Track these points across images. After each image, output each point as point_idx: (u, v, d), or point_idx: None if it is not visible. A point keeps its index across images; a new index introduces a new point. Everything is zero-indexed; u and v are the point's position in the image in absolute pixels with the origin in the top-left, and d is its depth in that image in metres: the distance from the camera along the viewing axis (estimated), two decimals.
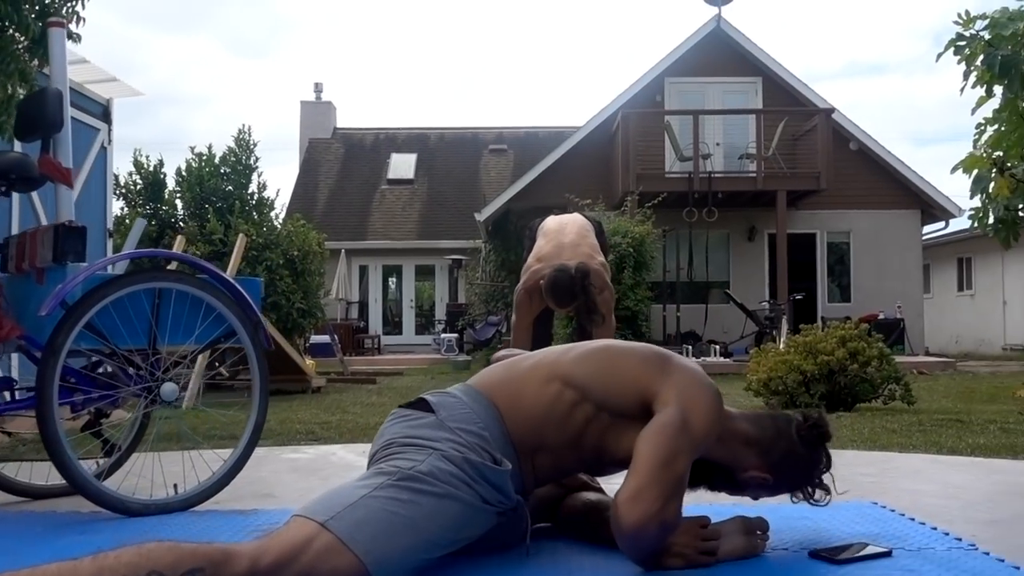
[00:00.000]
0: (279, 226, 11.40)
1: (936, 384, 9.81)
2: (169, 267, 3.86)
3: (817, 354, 6.57)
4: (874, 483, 3.11)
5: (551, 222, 4.67)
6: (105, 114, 7.42)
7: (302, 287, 11.01)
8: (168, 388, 2.62)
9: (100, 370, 2.68)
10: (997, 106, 5.35)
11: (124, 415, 3.12)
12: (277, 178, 72.15)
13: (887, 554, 1.99)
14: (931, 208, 15.85)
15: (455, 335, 17.26)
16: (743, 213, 15.37)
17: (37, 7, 3.93)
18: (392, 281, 21.34)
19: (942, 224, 16.56)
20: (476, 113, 71.81)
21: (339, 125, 24.23)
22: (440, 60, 78.32)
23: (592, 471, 2.13)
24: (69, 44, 5.72)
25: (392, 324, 20.91)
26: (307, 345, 17.55)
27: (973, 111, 5.63)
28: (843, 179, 14.89)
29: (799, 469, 2.11)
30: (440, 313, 19.93)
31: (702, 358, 13.21)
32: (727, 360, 12.73)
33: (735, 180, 14.65)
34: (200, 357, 8.09)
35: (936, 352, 17.95)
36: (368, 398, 8.32)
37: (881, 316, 14.93)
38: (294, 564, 1.58)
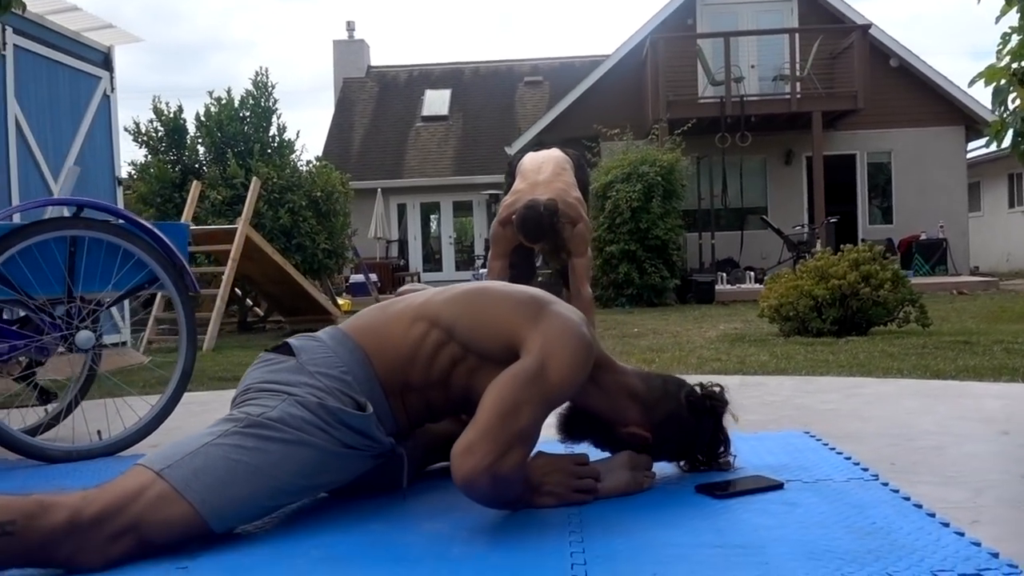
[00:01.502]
0: (304, 168, 11.38)
1: (971, 304, 9.53)
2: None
3: (828, 278, 6.39)
4: (829, 410, 3.01)
5: (528, 160, 4.56)
6: (106, 62, 7.38)
7: (327, 228, 11.03)
8: (83, 336, 2.61)
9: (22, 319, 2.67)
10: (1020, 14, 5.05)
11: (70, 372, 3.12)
12: (316, 120, 72.19)
13: (778, 487, 1.91)
14: (977, 124, 15.24)
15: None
16: (779, 137, 14.97)
17: None
18: (433, 218, 21.34)
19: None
20: (511, 46, 70.69)
21: (373, 63, 24.05)
22: None
23: (465, 412, 2.06)
24: None
25: (432, 261, 20.97)
26: (347, 284, 17.78)
27: (997, 20, 5.33)
28: (883, 97, 14.38)
29: (683, 435, 2.02)
30: (480, 248, 19.89)
31: (737, 284, 13.04)
32: (761, 286, 12.52)
33: (769, 103, 14.23)
34: (218, 300, 8.21)
35: (986, 271, 17.46)
36: None
37: (923, 236, 14.52)
38: (121, 514, 1.55)
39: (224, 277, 8.28)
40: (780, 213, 14.87)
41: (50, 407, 2.98)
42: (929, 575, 1.36)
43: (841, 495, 1.83)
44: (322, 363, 1.81)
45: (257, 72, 11.31)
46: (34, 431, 2.83)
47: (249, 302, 10.51)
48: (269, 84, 11.44)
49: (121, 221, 2.72)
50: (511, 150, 15.91)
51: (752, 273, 13.40)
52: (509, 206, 4.28)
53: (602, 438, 2.02)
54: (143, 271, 2.73)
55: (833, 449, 2.28)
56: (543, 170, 4.37)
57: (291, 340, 1.89)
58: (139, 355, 7.53)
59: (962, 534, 1.55)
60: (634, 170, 11.77)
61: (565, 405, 1.98)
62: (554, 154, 4.57)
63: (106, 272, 2.65)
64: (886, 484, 1.91)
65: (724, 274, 13.30)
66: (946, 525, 1.60)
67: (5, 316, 2.74)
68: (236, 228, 8.41)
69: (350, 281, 17.39)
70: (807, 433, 2.52)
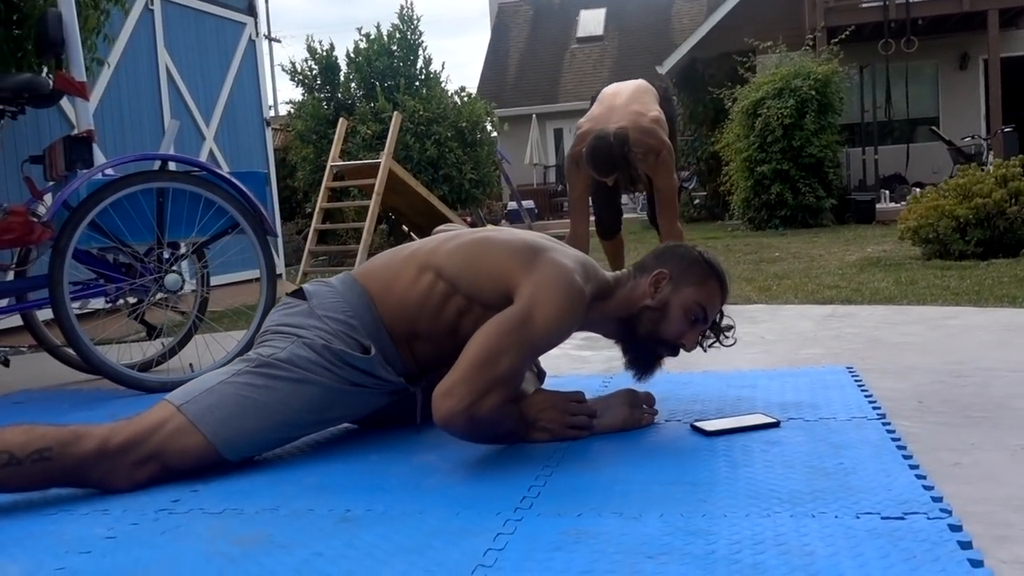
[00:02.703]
0: (453, 99, 11.59)
1: None
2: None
3: (972, 196, 6.03)
4: (899, 343, 2.94)
5: (608, 89, 4.43)
6: (250, 8, 7.76)
7: (473, 158, 11.26)
8: (171, 279, 2.89)
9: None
10: None
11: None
12: (475, 46, 72.20)
13: (774, 425, 1.93)
14: None
15: None
16: (950, 40, 13.91)
17: None
18: None
19: None
20: None
21: None
22: None
23: None
24: None
25: None
26: (505, 212, 18.09)
27: None
28: None
29: (687, 258, 2.03)
30: None
31: (903, 202, 12.36)
32: None
33: (938, 3, 13.21)
34: (364, 233, 8.60)
35: None
36: None
37: None
38: (145, 444, 1.77)
39: (369, 210, 8.64)
40: (954, 123, 13.92)
41: (165, 341, 3.32)
42: (854, 517, 1.38)
43: (830, 434, 1.84)
44: (330, 307, 1.96)
45: (402, 6, 11.54)
46: (148, 365, 3.17)
47: (405, 228, 10.94)
48: (415, 17, 11.65)
49: (203, 172, 2.96)
50: (662, 69, 15.57)
51: (919, 190, 12.65)
52: (581, 136, 4.11)
53: (649, 336, 2.00)
54: (224, 217, 2.97)
55: (861, 386, 2.26)
56: (620, 94, 4.20)
57: (305, 286, 2.05)
58: (292, 286, 8.06)
59: (923, 477, 1.55)
60: (786, 85, 11.29)
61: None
62: (637, 83, 4.41)
63: (191, 219, 2.91)
64: (887, 424, 1.89)
65: (888, 191, 12.65)
66: (914, 467, 1.60)
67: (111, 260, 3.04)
68: (380, 162, 8.74)
69: (508, 209, 17.69)
70: (849, 369, 2.49)
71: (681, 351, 2.02)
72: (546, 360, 2.26)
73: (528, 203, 16.62)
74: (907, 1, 12.75)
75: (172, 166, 2.92)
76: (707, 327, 2.03)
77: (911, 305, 3.83)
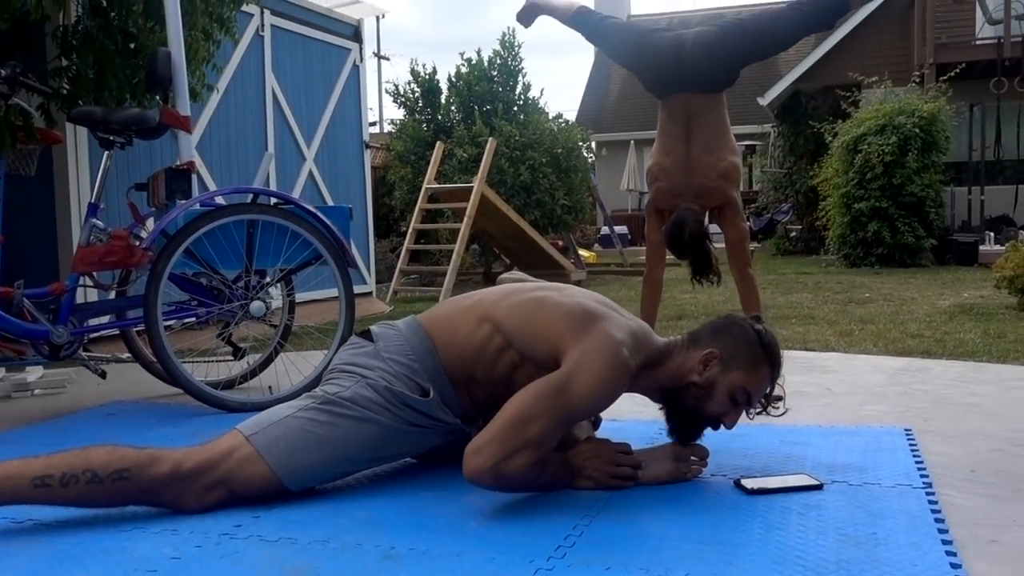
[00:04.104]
0: (549, 125, 11.70)
1: None
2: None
3: None
4: (968, 403, 2.90)
5: (678, 104, 3.59)
6: (356, 34, 8.05)
7: (566, 184, 11.35)
8: (255, 306, 3.06)
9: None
10: None
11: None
12: (576, 74, 72.33)
13: (817, 487, 1.96)
14: None
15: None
16: None
17: None
18: None
19: None
20: None
21: (633, 12, 23.98)
22: None
23: None
24: None
25: None
26: (598, 236, 18.16)
27: None
28: None
29: (742, 339, 2.04)
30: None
31: (1009, 242, 11.94)
32: None
33: None
34: (454, 256, 8.77)
35: None
36: (617, 291, 8.49)
37: None
38: (214, 470, 1.91)
39: (460, 233, 8.82)
40: None
41: (249, 360, 3.50)
42: None
43: (871, 501, 1.86)
44: (395, 350, 2.08)
45: (504, 33, 11.75)
46: (231, 384, 3.35)
47: (496, 251, 11.11)
48: (516, 44, 11.85)
49: (291, 206, 3.13)
50: (764, 100, 15.42)
51: None
52: (655, 194, 3.69)
53: (693, 411, 2.05)
54: (309, 248, 3.13)
55: (915, 450, 2.26)
56: (695, 129, 3.55)
57: (373, 327, 2.17)
58: (382, 304, 8.28)
59: (953, 554, 1.56)
60: (889, 121, 11.06)
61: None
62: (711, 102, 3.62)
63: (278, 250, 3.08)
64: (931, 493, 1.91)
65: (993, 233, 12.24)
66: (947, 543, 1.62)
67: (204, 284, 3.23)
68: (473, 187, 8.92)
69: (601, 233, 17.75)
70: (907, 431, 2.48)
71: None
72: None
73: (621, 229, 16.67)
74: (1023, 39, 12.36)
75: (263, 199, 3.10)
76: (751, 407, 2.07)
77: (991, 363, 3.75)
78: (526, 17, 3.99)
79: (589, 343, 1.91)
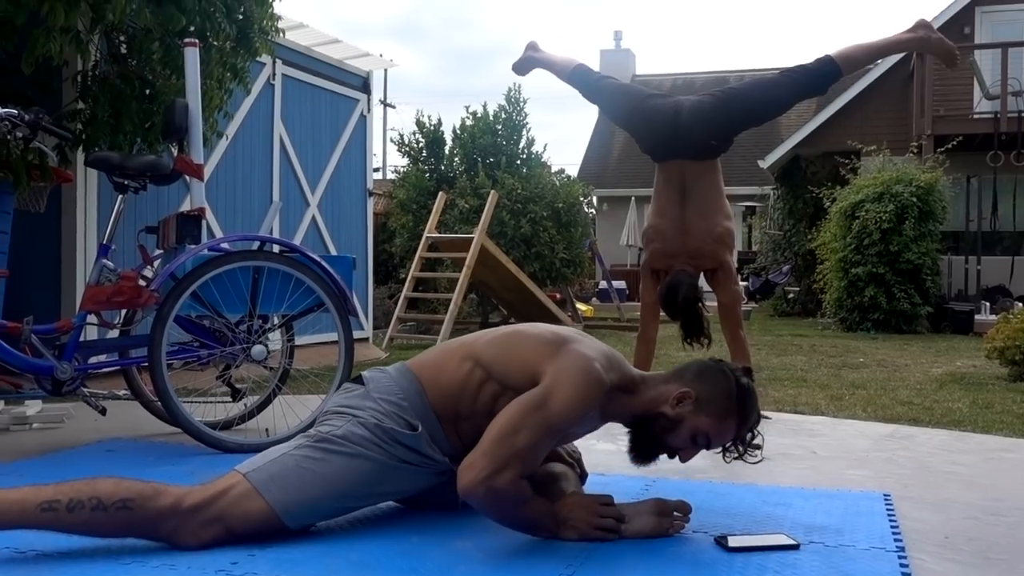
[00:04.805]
0: (552, 180, 11.89)
1: None
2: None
3: None
4: (947, 472, 2.97)
5: (662, 170, 3.75)
6: (364, 85, 8.22)
7: (566, 238, 11.49)
8: (256, 349, 3.14)
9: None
10: None
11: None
12: (580, 128, 73.32)
13: (794, 547, 2.02)
14: None
15: (744, 283, 17.09)
16: None
17: (241, 15, 4.48)
18: None
19: None
20: (779, 53, 68.14)
21: (638, 72, 24.36)
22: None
23: None
24: (322, 26, 6.46)
25: None
26: (596, 290, 18.29)
27: None
28: None
29: (720, 387, 2.12)
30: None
31: (1002, 313, 12.04)
32: None
33: None
34: (452, 305, 8.85)
35: None
36: (613, 346, 8.51)
37: None
38: (212, 506, 1.97)
39: (459, 283, 8.92)
40: None
41: (247, 401, 3.56)
42: None
43: (844, 563, 1.93)
44: (384, 390, 2.17)
45: (510, 88, 11.99)
46: (228, 425, 3.41)
47: (494, 302, 11.21)
48: (521, 99, 12.08)
49: (296, 254, 3.23)
50: (764, 164, 15.64)
51: (1021, 303, 12.33)
52: (651, 255, 3.81)
53: (655, 438, 2.15)
54: (312, 296, 3.22)
55: (891, 515, 2.32)
56: (689, 194, 3.66)
57: (364, 373, 2.26)
58: (378, 350, 8.35)
59: None
60: (887, 189, 11.24)
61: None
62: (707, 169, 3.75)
63: (281, 296, 3.17)
64: (903, 557, 1.97)
65: (989, 303, 12.35)
66: None
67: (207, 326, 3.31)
68: (473, 238, 9.05)
69: (599, 287, 17.89)
70: (886, 496, 2.55)
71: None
72: (598, 456, 2.40)
73: (619, 284, 16.78)
74: (1020, 115, 12.59)
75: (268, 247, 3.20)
76: (709, 449, 2.17)
77: (975, 432, 3.82)
78: (522, 68, 4.13)
79: (563, 361, 2.04)
